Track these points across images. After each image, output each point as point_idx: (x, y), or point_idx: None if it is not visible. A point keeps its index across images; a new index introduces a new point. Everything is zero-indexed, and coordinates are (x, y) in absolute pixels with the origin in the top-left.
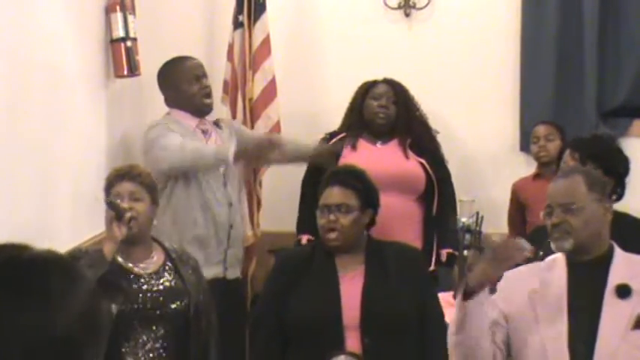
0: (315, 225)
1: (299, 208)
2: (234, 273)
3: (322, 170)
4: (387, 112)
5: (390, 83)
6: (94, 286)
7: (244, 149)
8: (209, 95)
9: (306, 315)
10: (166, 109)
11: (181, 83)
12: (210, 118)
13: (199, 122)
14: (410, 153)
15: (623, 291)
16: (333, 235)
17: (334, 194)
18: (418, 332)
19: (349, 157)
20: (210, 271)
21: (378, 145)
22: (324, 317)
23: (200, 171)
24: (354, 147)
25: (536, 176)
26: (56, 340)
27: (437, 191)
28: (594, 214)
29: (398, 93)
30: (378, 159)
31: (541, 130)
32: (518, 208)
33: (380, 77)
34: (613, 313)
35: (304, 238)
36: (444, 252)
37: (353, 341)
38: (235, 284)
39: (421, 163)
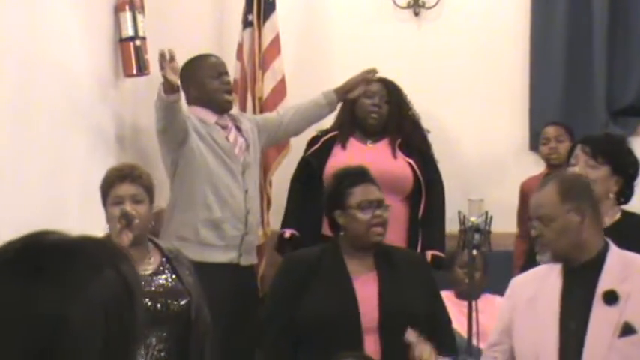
0: (301, 220)
1: (287, 203)
2: (248, 260)
3: (312, 168)
4: (379, 111)
5: (383, 82)
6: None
7: (344, 88)
8: (230, 92)
9: (323, 316)
10: None
11: (204, 78)
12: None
13: (218, 118)
14: (398, 153)
15: (610, 297)
16: (381, 230)
17: (373, 191)
18: (427, 334)
19: (339, 156)
20: (224, 256)
21: (369, 144)
22: (343, 318)
23: (168, 114)
24: (344, 146)
25: (546, 176)
26: (44, 329)
27: (424, 192)
28: (569, 224)
29: (391, 92)
30: (366, 158)
31: (551, 131)
32: (527, 207)
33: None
34: (600, 321)
35: (287, 232)
36: (429, 253)
37: (371, 342)
38: (248, 271)
39: (409, 164)
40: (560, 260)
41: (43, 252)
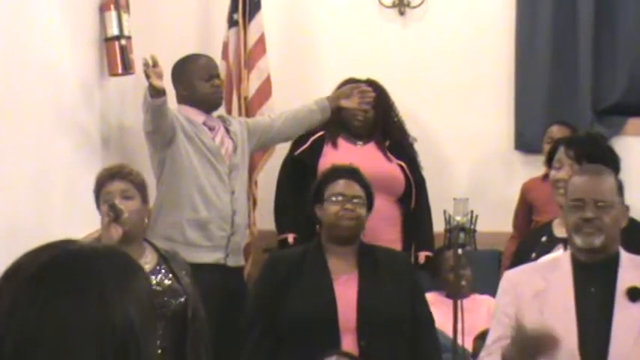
0: (299, 223)
1: (280, 205)
2: (235, 261)
3: (303, 166)
4: (365, 115)
5: (372, 86)
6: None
7: (337, 96)
8: (221, 93)
9: (301, 317)
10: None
11: (194, 80)
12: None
13: (206, 118)
14: (390, 155)
15: (635, 294)
16: (349, 223)
17: (350, 185)
18: (410, 335)
19: (330, 155)
20: (211, 256)
21: (359, 145)
22: (320, 319)
23: (155, 117)
24: (334, 145)
25: (546, 177)
26: (117, 334)
27: (415, 194)
28: (618, 216)
29: (379, 96)
30: (360, 159)
31: (556, 131)
32: (526, 208)
33: (365, 76)
34: (625, 317)
35: (290, 237)
36: (422, 255)
37: (349, 343)
38: (237, 273)
39: (400, 166)
40: (602, 249)
41: (72, 266)
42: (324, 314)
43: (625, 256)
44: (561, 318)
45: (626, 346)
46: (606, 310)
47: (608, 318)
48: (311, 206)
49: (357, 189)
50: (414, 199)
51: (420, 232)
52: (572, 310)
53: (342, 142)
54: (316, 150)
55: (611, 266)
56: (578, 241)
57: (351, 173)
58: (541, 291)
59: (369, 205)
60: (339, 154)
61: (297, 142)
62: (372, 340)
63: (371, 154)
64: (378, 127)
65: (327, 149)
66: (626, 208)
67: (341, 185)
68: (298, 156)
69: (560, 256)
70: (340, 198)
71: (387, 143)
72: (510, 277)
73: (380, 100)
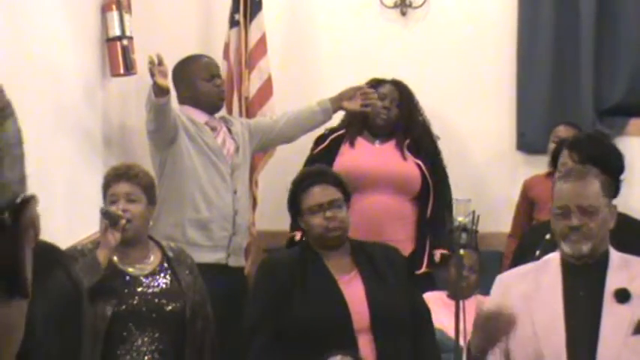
0: None
1: None
2: (237, 261)
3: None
4: (388, 113)
5: (396, 85)
6: (77, 280)
7: (339, 97)
8: (222, 92)
9: (313, 320)
10: None
11: (196, 80)
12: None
13: (209, 119)
14: (407, 154)
15: (623, 295)
16: (336, 232)
17: (323, 193)
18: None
19: (347, 155)
20: (212, 256)
21: (377, 144)
22: (334, 320)
23: (158, 116)
24: (352, 144)
25: (549, 174)
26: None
27: (432, 193)
28: (606, 218)
29: (403, 96)
30: (376, 158)
31: (563, 131)
32: (527, 205)
33: (365, 78)
34: (613, 319)
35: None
36: (438, 252)
37: (365, 342)
38: (238, 273)
39: (418, 165)
40: (594, 254)
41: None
42: (337, 315)
43: (615, 256)
44: (550, 320)
45: (615, 347)
46: (595, 311)
47: (596, 320)
48: (292, 218)
49: (330, 191)
50: (432, 197)
51: (437, 230)
52: (560, 312)
53: (360, 142)
54: (333, 149)
55: (600, 267)
56: (566, 249)
57: (321, 176)
58: (526, 295)
59: (348, 197)
60: (356, 153)
61: (318, 141)
62: (386, 336)
63: (387, 154)
64: (400, 125)
65: (344, 148)
66: (614, 208)
67: (315, 194)
68: (316, 155)
69: (551, 257)
70: (318, 209)
71: (407, 142)
72: (503, 279)
73: (404, 99)
